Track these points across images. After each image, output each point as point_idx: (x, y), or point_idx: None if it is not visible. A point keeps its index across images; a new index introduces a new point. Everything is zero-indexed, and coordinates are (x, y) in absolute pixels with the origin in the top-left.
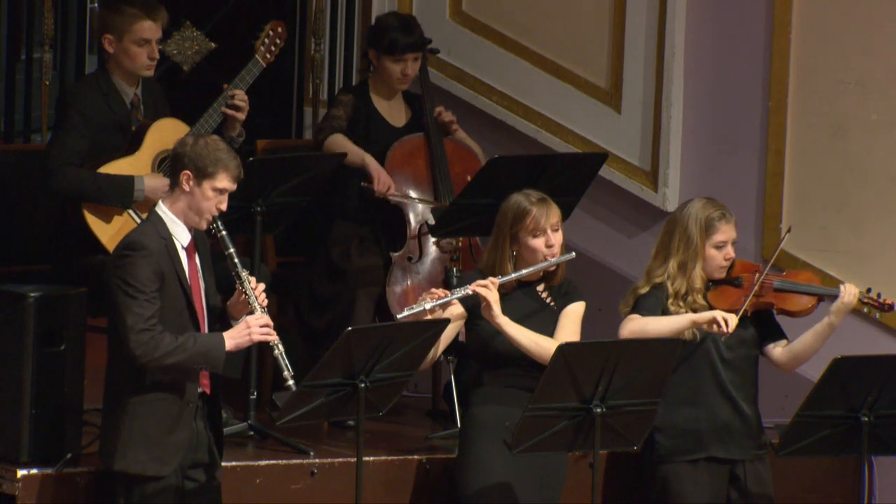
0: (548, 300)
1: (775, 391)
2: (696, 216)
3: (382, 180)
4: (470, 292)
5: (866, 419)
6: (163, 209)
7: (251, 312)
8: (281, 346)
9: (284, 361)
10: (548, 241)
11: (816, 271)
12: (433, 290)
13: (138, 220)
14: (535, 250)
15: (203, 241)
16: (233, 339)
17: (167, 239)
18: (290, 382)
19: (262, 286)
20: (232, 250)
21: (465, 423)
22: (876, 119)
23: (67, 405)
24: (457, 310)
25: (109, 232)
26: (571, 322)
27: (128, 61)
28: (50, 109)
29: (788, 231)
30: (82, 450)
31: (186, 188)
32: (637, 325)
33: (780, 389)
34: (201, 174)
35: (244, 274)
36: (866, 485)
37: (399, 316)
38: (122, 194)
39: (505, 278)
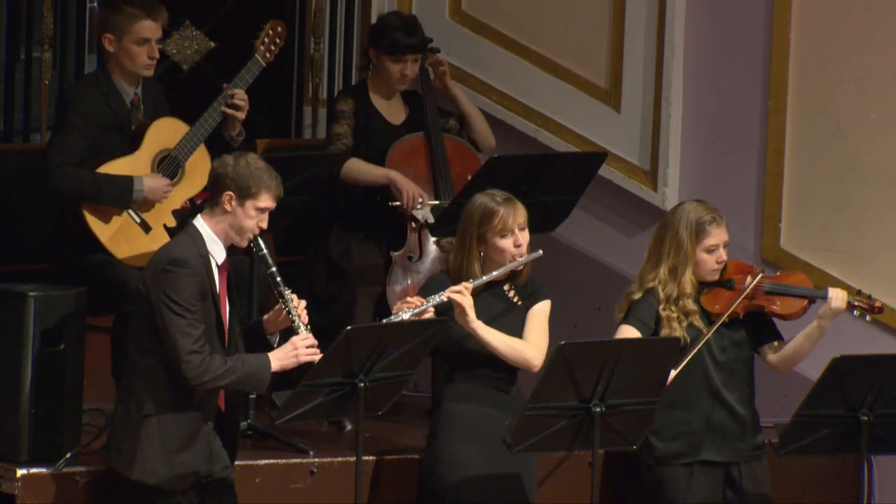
0: (515, 299)
1: (774, 391)
2: (686, 220)
3: (410, 194)
4: (444, 299)
5: (866, 418)
6: (203, 226)
7: (294, 332)
8: None
9: None
10: (516, 240)
11: (813, 272)
12: (408, 298)
13: (138, 220)
14: (504, 250)
15: (231, 260)
16: (279, 360)
17: (205, 257)
18: None
19: (303, 303)
20: (274, 269)
21: (437, 421)
22: (875, 118)
23: (67, 404)
24: (427, 312)
25: (109, 232)
26: (539, 322)
27: (128, 61)
28: (49, 109)
29: (763, 271)
30: (82, 449)
31: (229, 208)
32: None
33: (779, 389)
34: (244, 194)
35: (287, 292)
36: (866, 484)
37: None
38: (121, 194)
39: (477, 282)
